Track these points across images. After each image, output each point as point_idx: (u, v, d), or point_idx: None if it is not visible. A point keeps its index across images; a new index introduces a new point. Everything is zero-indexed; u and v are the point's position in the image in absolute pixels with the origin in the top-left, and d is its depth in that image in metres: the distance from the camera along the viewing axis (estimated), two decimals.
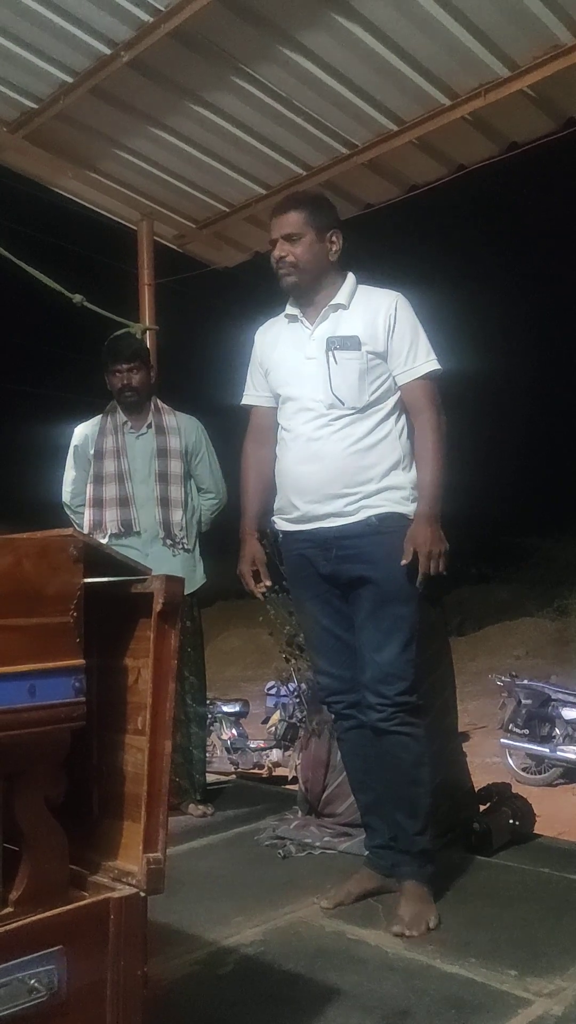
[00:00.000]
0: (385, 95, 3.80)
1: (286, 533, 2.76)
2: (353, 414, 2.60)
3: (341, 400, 2.60)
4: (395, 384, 2.65)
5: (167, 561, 3.58)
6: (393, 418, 2.65)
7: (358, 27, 3.38)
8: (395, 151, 4.08)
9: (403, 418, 2.67)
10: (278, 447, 2.75)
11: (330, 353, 2.62)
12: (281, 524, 2.77)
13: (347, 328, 2.64)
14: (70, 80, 3.78)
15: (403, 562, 2.53)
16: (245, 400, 2.89)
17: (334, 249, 2.69)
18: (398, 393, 2.66)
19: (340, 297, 2.68)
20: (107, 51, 3.59)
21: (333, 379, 2.60)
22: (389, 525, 2.57)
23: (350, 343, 2.61)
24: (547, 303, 27.43)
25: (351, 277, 2.72)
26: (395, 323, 2.63)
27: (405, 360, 2.63)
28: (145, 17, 3.39)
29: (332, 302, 2.67)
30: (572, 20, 3.33)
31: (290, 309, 2.77)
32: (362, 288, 2.71)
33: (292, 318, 2.76)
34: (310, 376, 2.65)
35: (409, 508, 2.61)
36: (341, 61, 3.58)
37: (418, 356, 2.64)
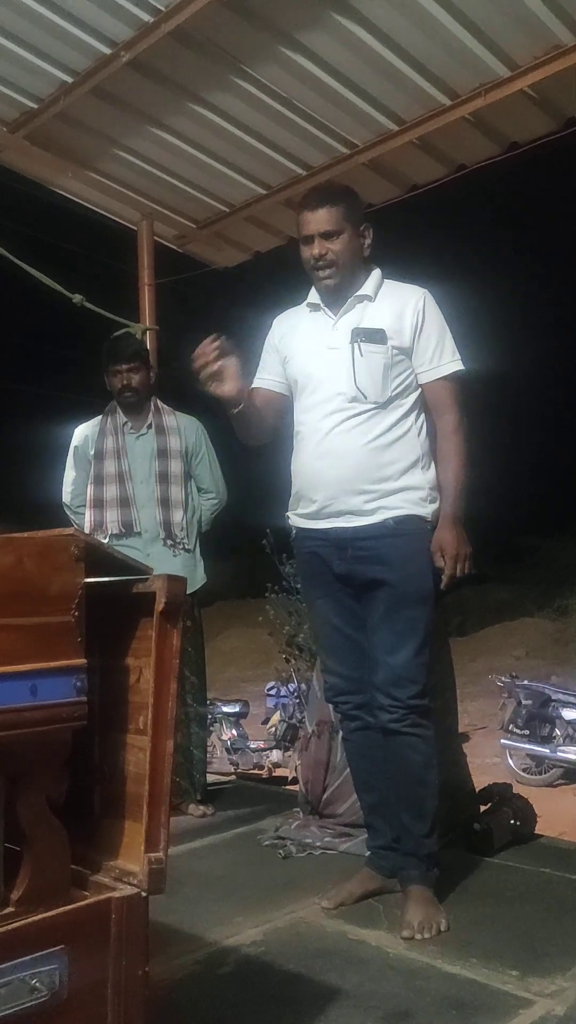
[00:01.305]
0: (385, 95, 3.80)
1: (300, 530, 2.73)
2: (374, 409, 2.57)
3: (364, 394, 2.56)
4: (416, 382, 2.63)
5: (168, 561, 3.57)
6: (413, 416, 2.62)
7: (358, 27, 3.38)
8: (395, 151, 4.08)
9: (422, 417, 2.64)
10: (294, 440, 2.71)
11: (355, 344, 2.58)
12: (295, 520, 2.74)
13: (373, 320, 2.60)
14: (70, 80, 3.79)
15: (438, 565, 2.53)
16: (255, 383, 2.78)
17: (367, 243, 2.66)
18: (419, 391, 2.63)
19: (366, 289, 2.64)
20: (107, 51, 3.59)
21: (358, 371, 2.56)
22: (407, 527, 2.54)
23: (376, 336, 2.58)
24: (548, 304, 27.45)
25: (377, 271, 2.69)
26: (423, 320, 2.60)
27: (431, 359, 2.60)
28: (145, 17, 3.39)
29: (357, 293, 2.64)
30: (572, 20, 3.34)
31: (312, 298, 2.73)
32: (388, 282, 2.68)
33: (314, 307, 2.72)
34: (333, 366, 2.60)
35: (427, 510, 2.59)
36: (341, 61, 3.59)
37: (444, 355, 2.61)
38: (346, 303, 2.65)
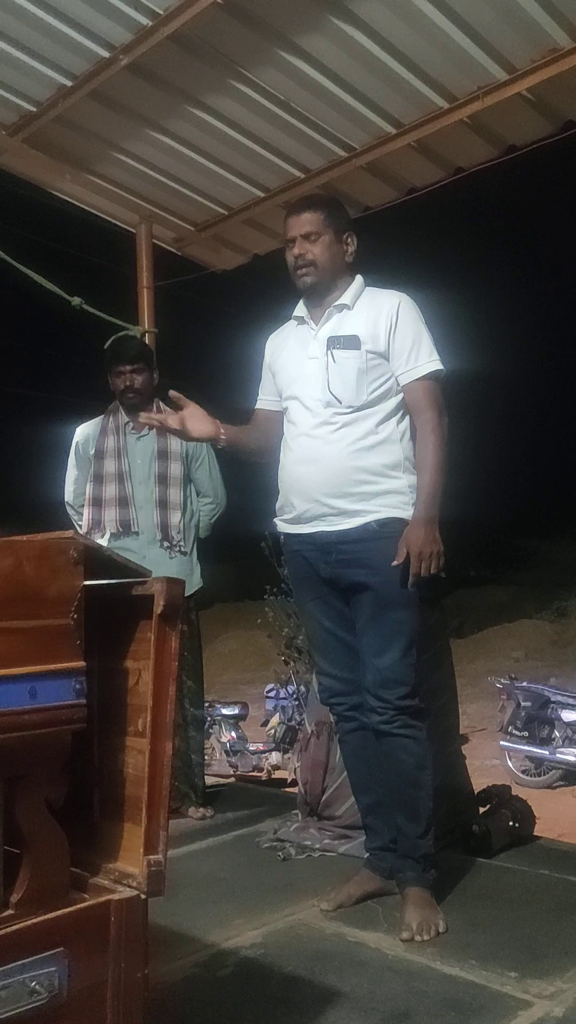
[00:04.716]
0: (383, 98, 3.81)
1: (287, 535, 2.76)
2: (351, 414, 2.59)
3: (338, 399, 2.60)
4: (397, 385, 2.64)
5: (164, 563, 3.57)
6: (395, 420, 2.63)
7: (356, 31, 3.38)
8: (393, 154, 4.09)
9: (406, 420, 2.66)
10: (281, 448, 2.75)
11: (330, 352, 2.62)
12: (281, 526, 2.76)
13: (349, 327, 2.64)
14: (69, 83, 3.80)
15: (394, 563, 2.51)
16: (256, 405, 2.89)
17: (350, 251, 2.71)
18: (401, 395, 2.64)
19: (345, 298, 2.68)
20: (106, 54, 3.60)
21: (331, 378, 2.60)
22: (390, 530, 2.55)
23: (350, 342, 2.61)
24: (544, 306, 27.48)
25: (359, 279, 2.73)
26: (397, 322, 2.62)
27: (407, 360, 2.61)
28: (144, 21, 3.40)
29: (337, 302, 2.68)
30: (569, 23, 3.35)
31: (298, 311, 2.78)
32: (369, 289, 2.72)
33: (300, 320, 2.77)
34: (310, 375, 2.65)
35: (410, 512, 2.58)
36: (339, 65, 3.59)
37: (420, 356, 2.62)
38: (326, 312, 2.69)
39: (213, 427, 2.65)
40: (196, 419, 2.63)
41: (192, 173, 4.44)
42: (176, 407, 2.64)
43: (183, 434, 2.66)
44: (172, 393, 2.64)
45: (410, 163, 4.19)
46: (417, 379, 2.62)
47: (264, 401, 2.87)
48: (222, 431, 2.67)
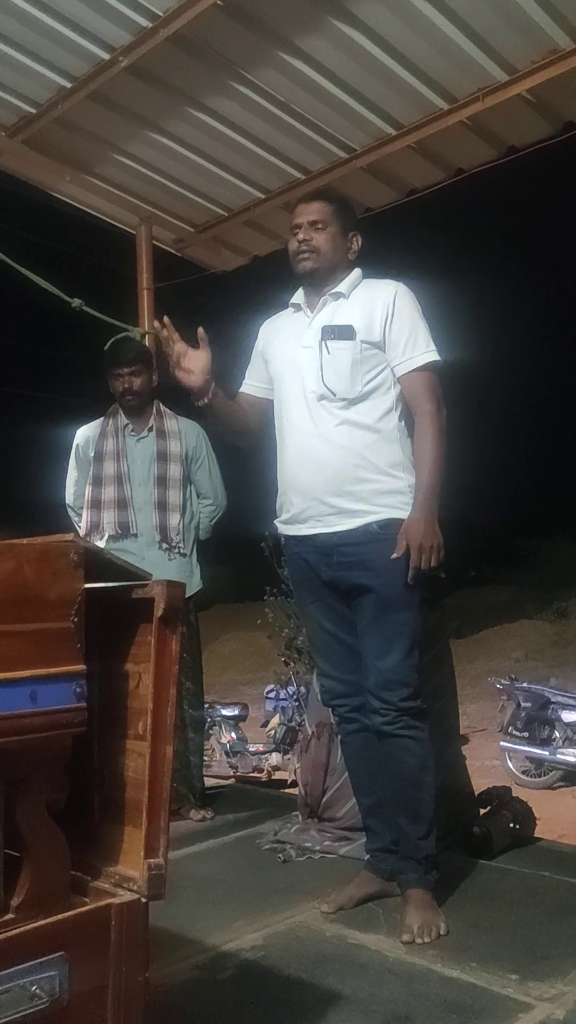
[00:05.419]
0: (383, 99, 3.81)
1: (287, 537, 2.74)
2: (346, 408, 2.57)
3: (332, 391, 2.57)
4: (394, 377, 2.61)
5: (163, 565, 3.56)
6: (395, 415, 2.61)
7: (356, 32, 3.39)
8: (394, 155, 4.10)
9: (404, 418, 2.63)
10: (277, 445, 2.73)
11: (324, 343, 2.60)
12: (282, 528, 2.75)
13: (344, 317, 2.62)
14: (68, 85, 3.80)
15: (394, 556, 2.49)
16: (241, 388, 2.85)
17: (353, 249, 2.70)
18: (398, 389, 2.62)
19: (341, 287, 2.66)
20: (106, 56, 3.60)
21: (324, 369, 2.58)
22: (390, 532, 2.53)
23: (344, 332, 2.59)
24: (544, 306, 27.49)
25: (357, 270, 2.71)
26: (393, 312, 2.59)
27: (403, 350, 2.59)
28: (143, 22, 3.40)
29: (333, 291, 2.67)
30: (570, 25, 3.35)
31: (295, 298, 2.76)
32: (366, 280, 2.70)
33: (296, 307, 2.75)
34: (304, 366, 2.63)
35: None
36: (339, 66, 3.60)
37: (417, 346, 2.59)
38: (321, 300, 2.67)
39: (202, 382, 2.56)
40: (195, 364, 2.55)
41: (192, 174, 4.45)
42: (195, 345, 2.56)
43: (176, 367, 2.55)
44: (200, 331, 2.56)
45: (410, 164, 4.20)
46: (414, 369, 2.59)
47: (249, 386, 2.84)
48: (209, 395, 2.58)
